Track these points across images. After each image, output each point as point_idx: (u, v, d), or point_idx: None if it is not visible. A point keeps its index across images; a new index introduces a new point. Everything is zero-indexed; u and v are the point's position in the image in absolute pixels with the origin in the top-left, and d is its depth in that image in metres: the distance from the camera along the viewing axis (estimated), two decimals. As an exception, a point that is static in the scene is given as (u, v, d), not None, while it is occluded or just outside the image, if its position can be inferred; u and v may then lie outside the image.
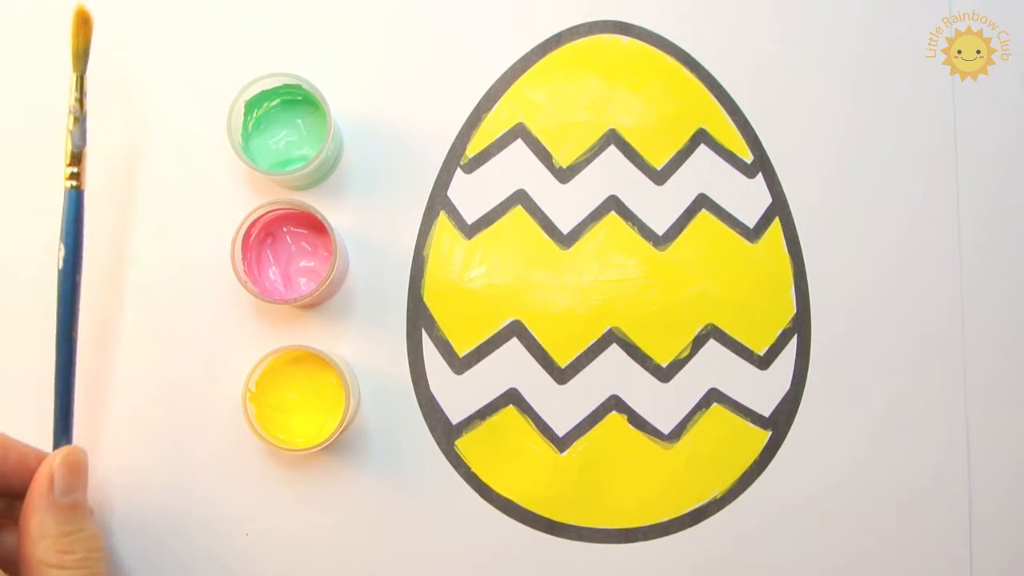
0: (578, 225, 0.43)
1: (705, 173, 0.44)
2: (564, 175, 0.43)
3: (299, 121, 0.43)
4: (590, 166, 0.43)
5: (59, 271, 0.38)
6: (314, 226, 0.42)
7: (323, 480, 0.42)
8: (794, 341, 0.43)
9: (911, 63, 0.44)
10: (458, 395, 0.42)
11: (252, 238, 0.41)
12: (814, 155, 0.44)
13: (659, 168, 0.43)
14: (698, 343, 0.43)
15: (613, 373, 0.43)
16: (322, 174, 0.43)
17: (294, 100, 0.42)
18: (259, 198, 0.41)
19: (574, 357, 0.43)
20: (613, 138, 0.44)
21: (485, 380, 0.43)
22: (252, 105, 0.41)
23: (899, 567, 0.43)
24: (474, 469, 0.42)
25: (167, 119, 0.43)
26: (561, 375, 0.43)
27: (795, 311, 0.43)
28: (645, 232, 0.43)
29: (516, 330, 0.43)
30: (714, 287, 0.43)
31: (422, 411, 0.42)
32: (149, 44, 0.43)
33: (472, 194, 0.43)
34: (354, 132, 0.43)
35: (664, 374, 0.43)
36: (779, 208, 0.44)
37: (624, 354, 0.43)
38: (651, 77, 0.44)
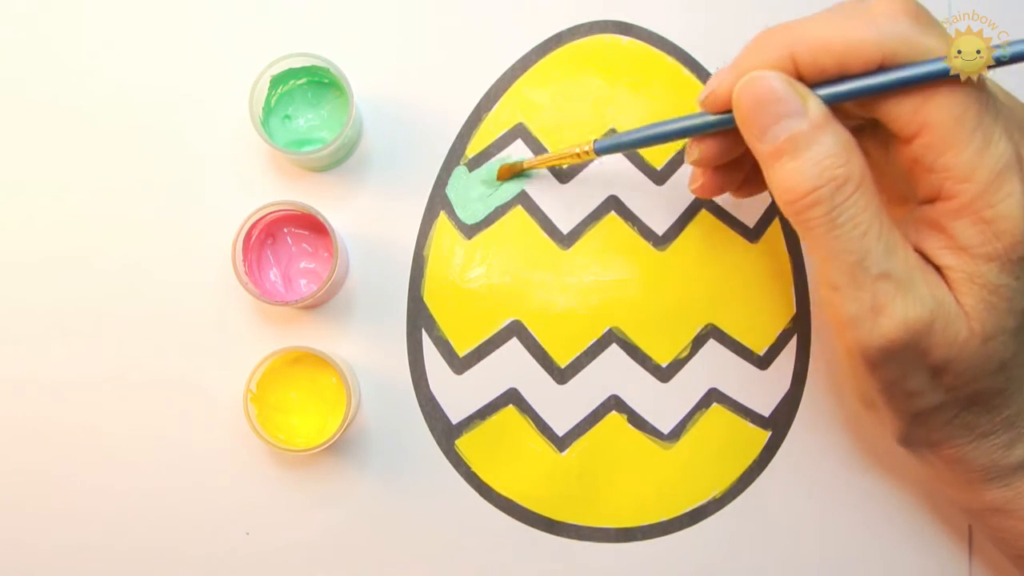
0: (578, 225, 0.43)
1: (705, 173, 0.43)
2: (564, 175, 0.43)
3: (321, 106, 0.43)
4: (590, 166, 0.43)
5: None
6: (315, 227, 0.42)
7: (323, 480, 0.42)
8: (794, 341, 0.43)
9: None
10: (458, 395, 0.43)
11: (253, 239, 0.41)
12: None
13: (659, 168, 0.43)
14: (698, 343, 0.43)
15: (613, 373, 0.43)
16: (336, 159, 0.43)
17: (320, 83, 0.42)
18: (261, 198, 0.41)
19: (574, 357, 0.43)
20: (613, 138, 0.44)
21: (485, 380, 0.43)
22: (276, 82, 0.41)
23: (899, 567, 0.43)
24: (474, 468, 0.42)
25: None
26: (561, 375, 0.43)
27: (795, 311, 0.43)
28: (645, 232, 0.43)
29: (516, 330, 0.43)
30: (714, 287, 0.43)
31: (422, 411, 0.42)
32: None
33: (472, 194, 0.43)
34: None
35: (664, 374, 0.43)
36: (779, 208, 0.43)
37: (624, 354, 0.43)
38: (651, 77, 0.44)
